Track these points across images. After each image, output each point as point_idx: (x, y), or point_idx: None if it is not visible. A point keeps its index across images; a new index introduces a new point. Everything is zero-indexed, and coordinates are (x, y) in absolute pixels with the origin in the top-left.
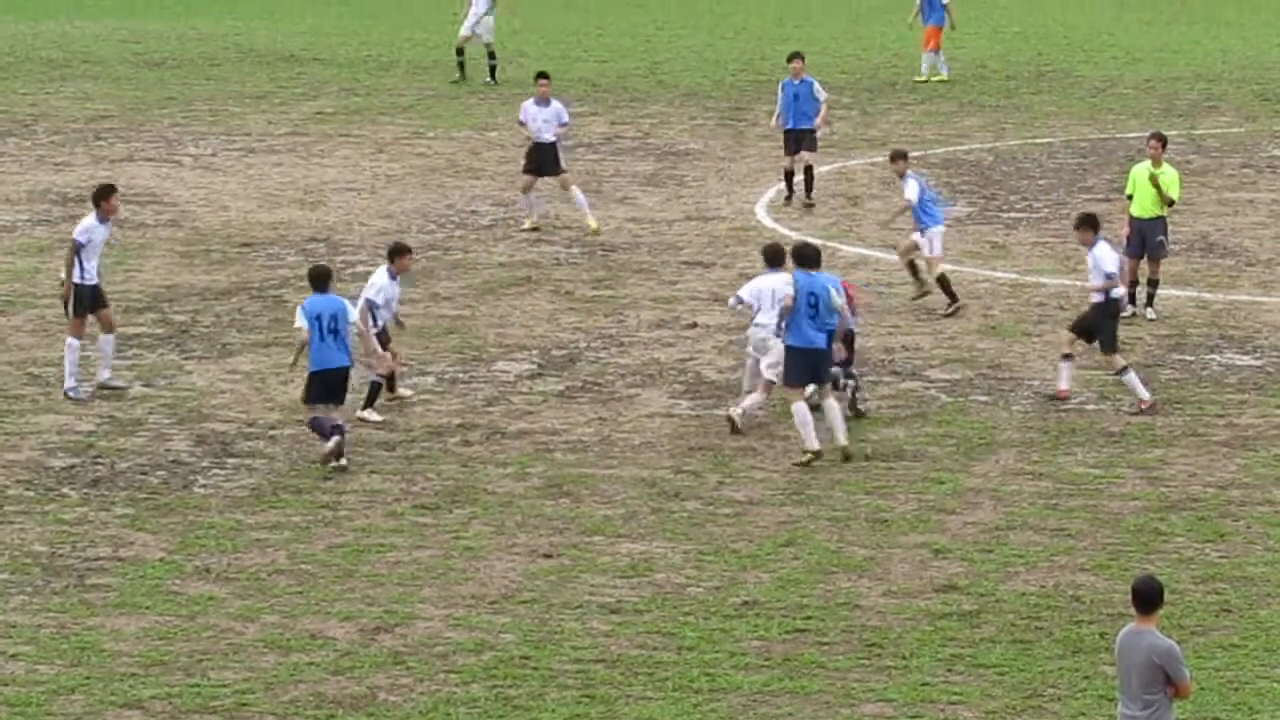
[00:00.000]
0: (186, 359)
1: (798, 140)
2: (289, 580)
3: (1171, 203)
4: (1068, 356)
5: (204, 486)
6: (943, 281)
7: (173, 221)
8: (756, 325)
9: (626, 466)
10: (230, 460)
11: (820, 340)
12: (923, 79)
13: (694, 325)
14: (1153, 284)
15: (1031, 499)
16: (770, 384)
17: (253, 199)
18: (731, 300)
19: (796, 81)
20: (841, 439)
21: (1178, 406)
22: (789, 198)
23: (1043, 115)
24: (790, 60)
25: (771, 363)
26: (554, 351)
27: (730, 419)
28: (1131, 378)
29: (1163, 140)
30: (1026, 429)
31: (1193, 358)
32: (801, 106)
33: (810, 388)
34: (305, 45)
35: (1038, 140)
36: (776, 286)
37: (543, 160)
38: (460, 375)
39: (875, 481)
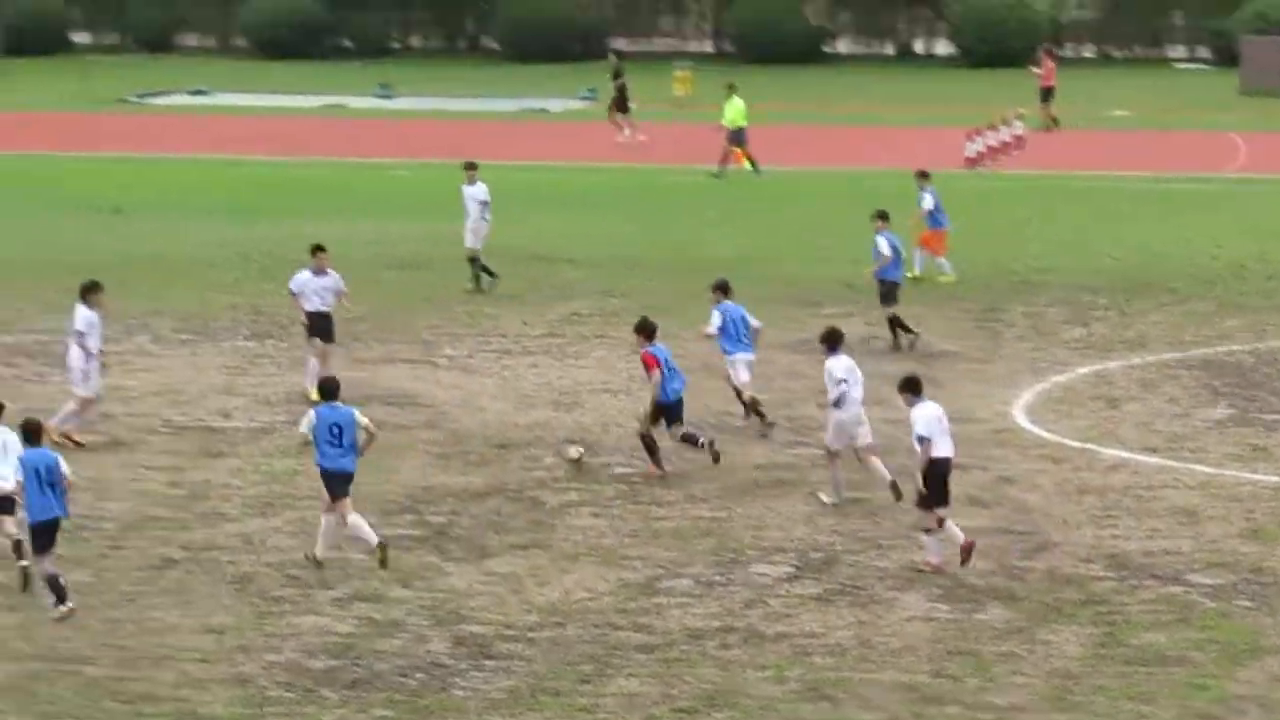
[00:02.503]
0: (444, 560)
1: None
2: None
3: None
4: None
5: (462, 689)
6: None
7: (429, 423)
8: None
9: (886, 670)
10: (488, 662)
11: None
12: (915, 274)
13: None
14: None
15: None
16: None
17: (509, 400)
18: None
19: None
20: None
21: None
22: None
23: None
24: None
25: None
26: (811, 554)
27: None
28: None
29: None
30: None
31: None
32: None
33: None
34: (559, 246)
35: None
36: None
37: (322, 329)
38: (717, 578)
39: (1138, 687)
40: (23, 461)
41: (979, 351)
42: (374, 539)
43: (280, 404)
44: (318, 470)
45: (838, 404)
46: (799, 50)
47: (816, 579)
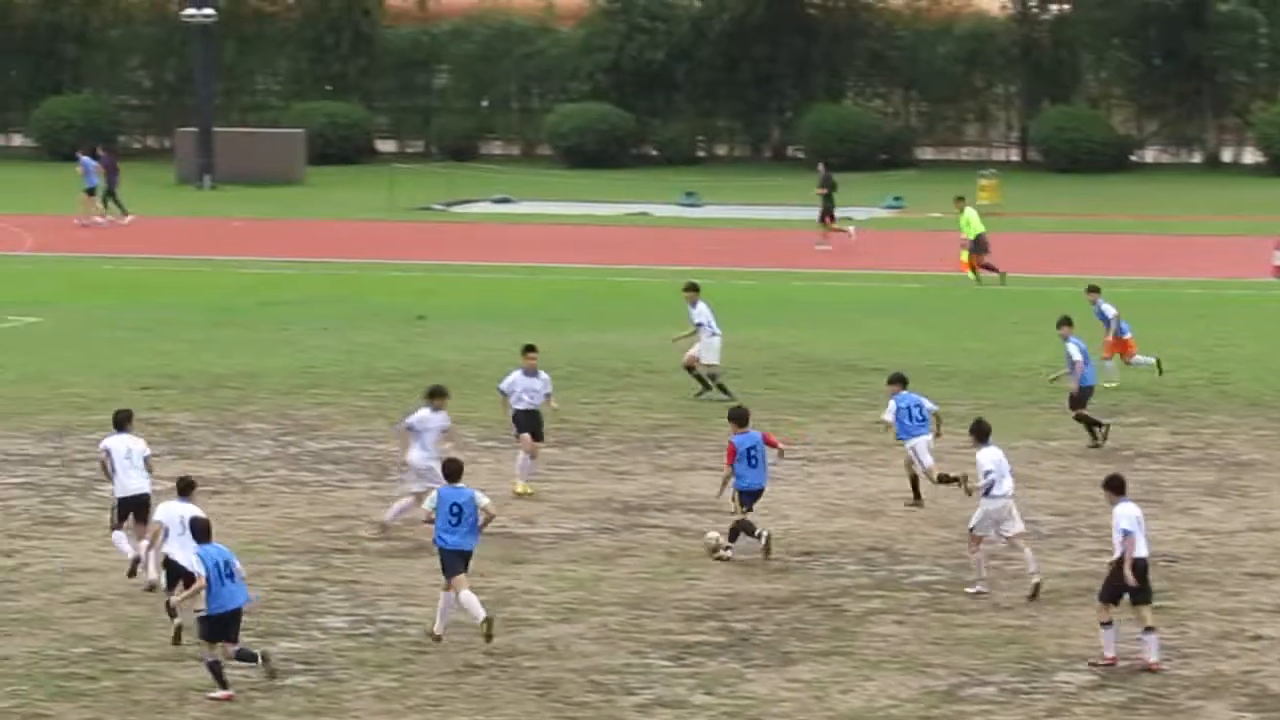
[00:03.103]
0: (747, 667)
1: None
2: None
3: None
4: None
5: None
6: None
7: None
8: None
9: None
10: None
11: None
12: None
13: None
14: None
15: None
16: None
17: (812, 508)
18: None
19: None
20: None
21: None
22: None
23: None
24: None
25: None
26: (1117, 662)
27: None
28: None
29: None
30: None
31: None
32: None
33: None
34: (864, 355)
35: None
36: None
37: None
38: (1021, 686)
39: None
40: (201, 556)
41: None
42: (481, 614)
43: (584, 510)
44: (436, 548)
45: (987, 493)
46: (1106, 159)
47: (1120, 688)
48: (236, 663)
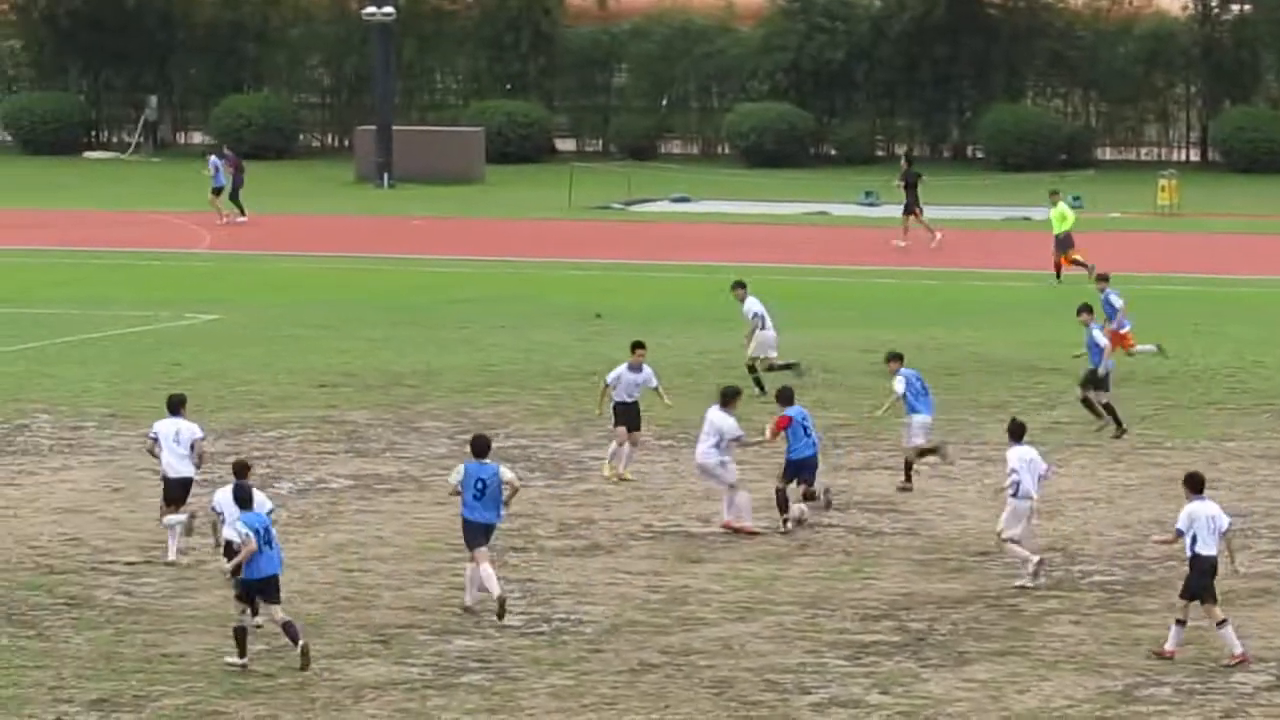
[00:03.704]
0: (923, 667)
1: None
2: None
3: None
4: None
5: None
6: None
7: (909, 530)
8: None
9: None
10: None
11: None
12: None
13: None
14: None
15: None
16: None
17: (989, 508)
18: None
19: None
20: None
21: None
22: None
23: None
24: None
25: None
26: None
27: None
28: None
29: None
30: None
31: None
32: None
33: None
34: (1041, 355)
35: None
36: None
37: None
38: (1197, 687)
39: None
40: (245, 522)
41: None
42: (497, 590)
43: (760, 509)
44: (461, 520)
45: (1015, 493)
46: None
47: None
48: (281, 632)
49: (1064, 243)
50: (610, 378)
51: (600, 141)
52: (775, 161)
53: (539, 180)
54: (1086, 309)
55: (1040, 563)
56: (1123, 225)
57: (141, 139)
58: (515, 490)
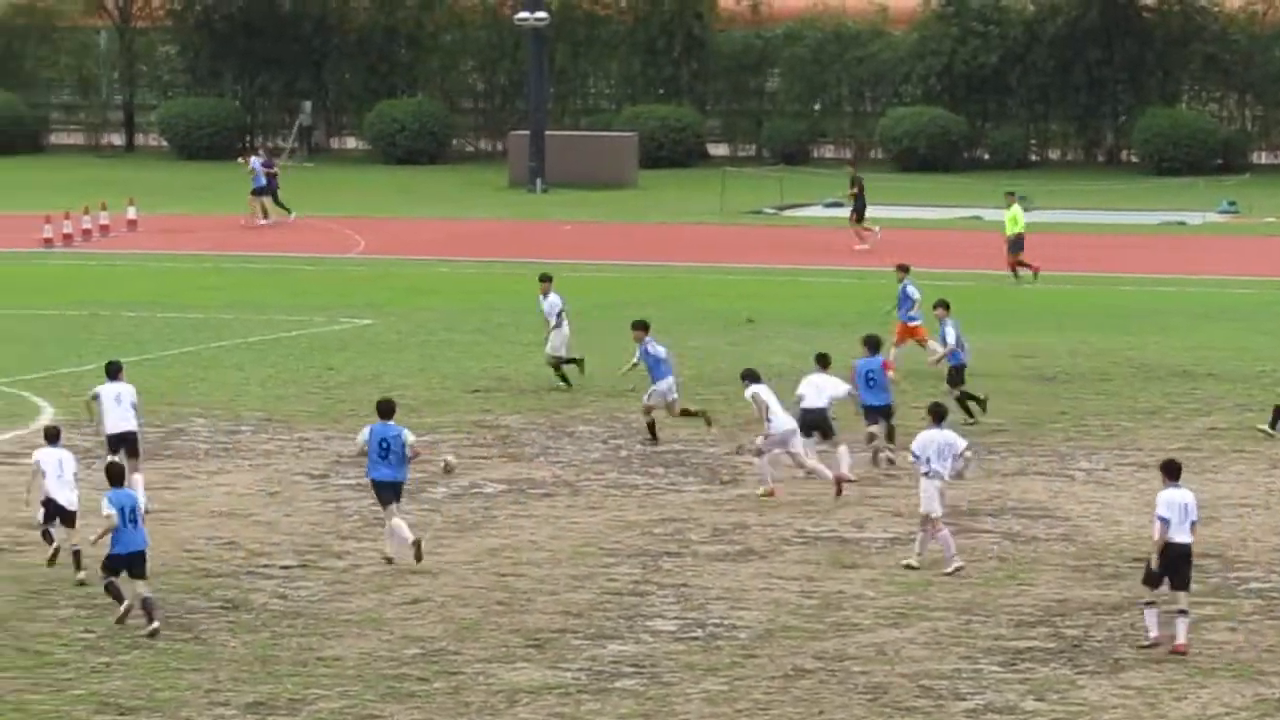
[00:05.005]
0: (1078, 673)
1: None
2: None
3: None
4: None
5: None
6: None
7: (1065, 536)
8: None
9: None
10: None
11: None
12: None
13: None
14: None
15: None
16: None
17: (1144, 514)
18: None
19: None
20: None
21: None
22: None
23: None
24: None
25: None
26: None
27: None
28: None
29: None
30: None
31: None
32: None
33: None
34: (1197, 360)
35: None
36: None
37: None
38: None
39: None
40: (110, 499)
41: None
42: (409, 536)
43: (915, 515)
44: (369, 481)
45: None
46: None
47: None
48: (140, 611)
49: (1015, 244)
50: (803, 388)
51: (753, 146)
52: (928, 166)
53: (691, 185)
54: (944, 304)
55: None
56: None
57: (296, 144)
58: (417, 453)
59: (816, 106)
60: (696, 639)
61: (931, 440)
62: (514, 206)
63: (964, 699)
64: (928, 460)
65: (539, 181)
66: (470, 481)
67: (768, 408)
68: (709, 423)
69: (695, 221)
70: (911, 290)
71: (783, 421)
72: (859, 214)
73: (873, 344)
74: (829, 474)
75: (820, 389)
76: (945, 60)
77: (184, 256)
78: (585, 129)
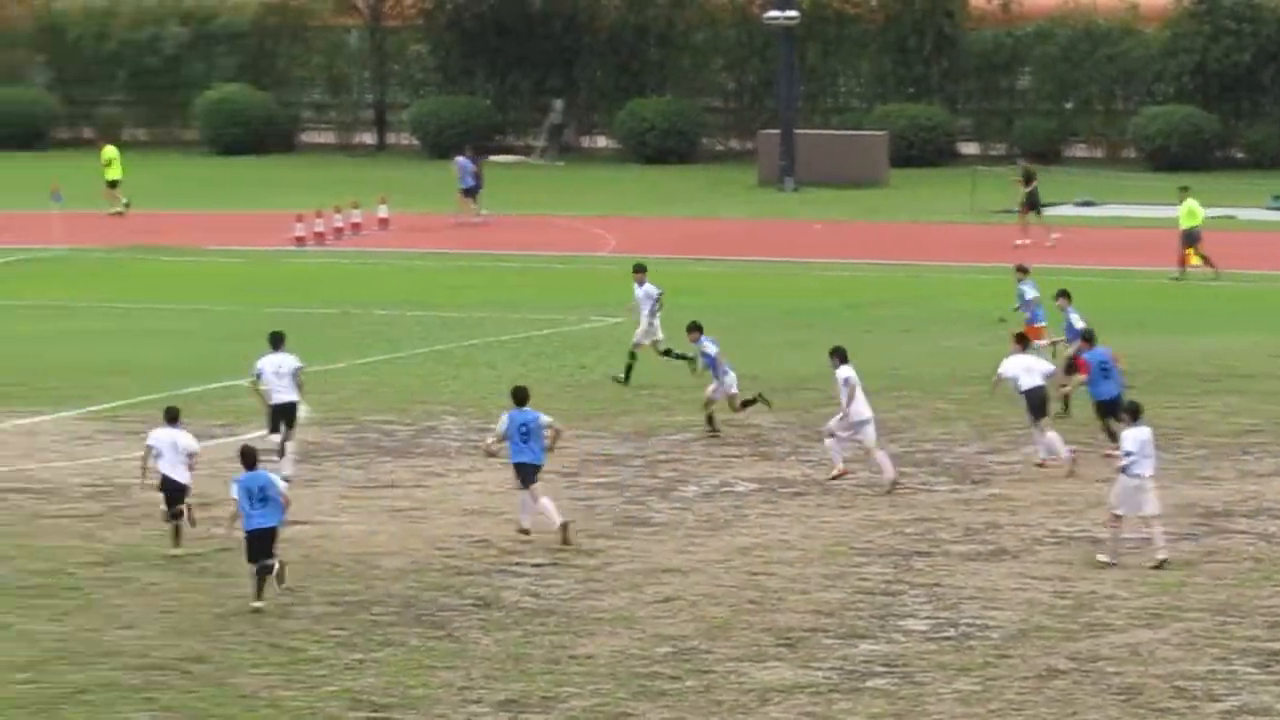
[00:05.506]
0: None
1: None
2: None
3: None
4: None
5: None
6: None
7: None
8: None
9: None
10: None
11: None
12: None
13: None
14: None
15: None
16: None
17: None
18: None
19: None
20: None
21: None
22: None
23: None
24: None
25: None
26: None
27: None
28: None
29: None
30: None
31: None
32: None
33: None
34: None
35: None
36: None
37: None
38: None
39: None
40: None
41: None
42: (558, 519)
43: (1167, 515)
44: (512, 465)
45: (1124, 471)
46: None
47: None
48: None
49: (1190, 238)
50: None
51: (1004, 145)
52: (1180, 165)
53: (942, 184)
54: (1064, 294)
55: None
56: None
57: (547, 142)
58: (558, 433)
59: (1068, 105)
60: (949, 639)
61: (1137, 438)
62: (763, 205)
63: (1219, 700)
64: (1128, 454)
65: (789, 180)
66: (721, 480)
67: (855, 391)
68: (768, 405)
69: (946, 221)
70: (1027, 290)
71: (864, 409)
72: (1033, 209)
73: (1089, 337)
74: (892, 472)
75: (1030, 369)
76: (1198, 58)
77: (434, 255)
78: (835, 128)
